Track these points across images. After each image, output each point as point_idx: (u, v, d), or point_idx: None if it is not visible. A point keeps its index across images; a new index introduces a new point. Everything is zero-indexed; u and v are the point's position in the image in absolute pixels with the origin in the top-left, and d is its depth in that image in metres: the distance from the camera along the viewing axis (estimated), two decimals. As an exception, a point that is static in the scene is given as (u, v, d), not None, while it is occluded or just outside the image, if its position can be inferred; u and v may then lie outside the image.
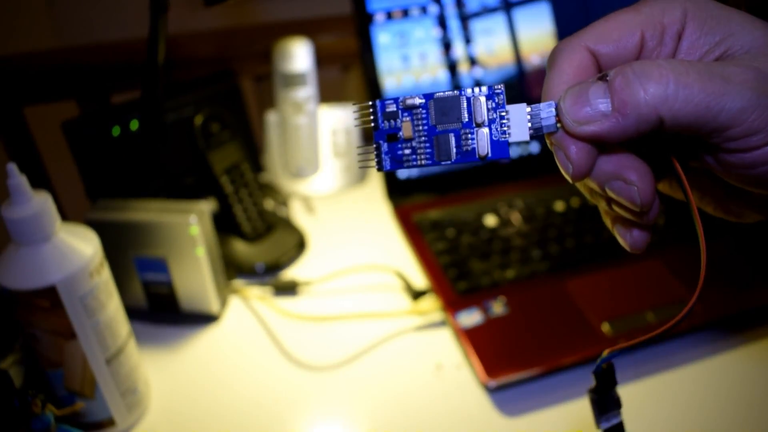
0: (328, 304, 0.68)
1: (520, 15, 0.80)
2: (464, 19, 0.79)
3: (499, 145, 0.27)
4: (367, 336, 0.64)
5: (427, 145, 0.28)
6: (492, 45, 0.80)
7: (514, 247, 0.71)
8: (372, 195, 0.85)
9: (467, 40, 0.80)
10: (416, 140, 0.28)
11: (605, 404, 0.33)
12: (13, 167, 0.45)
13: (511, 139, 0.27)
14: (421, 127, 0.28)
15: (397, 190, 0.81)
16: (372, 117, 0.28)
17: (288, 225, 0.78)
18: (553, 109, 0.27)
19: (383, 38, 0.78)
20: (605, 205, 0.29)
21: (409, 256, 0.73)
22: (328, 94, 0.91)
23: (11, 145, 0.88)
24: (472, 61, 0.80)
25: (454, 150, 0.28)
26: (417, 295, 0.67)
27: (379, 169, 0.28)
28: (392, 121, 0.28)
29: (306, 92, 0.83)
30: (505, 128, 0.27)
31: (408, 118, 0.28)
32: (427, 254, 0.71)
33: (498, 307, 0.63)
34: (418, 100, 0.28)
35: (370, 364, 0.61)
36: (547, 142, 0.28)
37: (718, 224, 0.70)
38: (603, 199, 0.29)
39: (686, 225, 0.70)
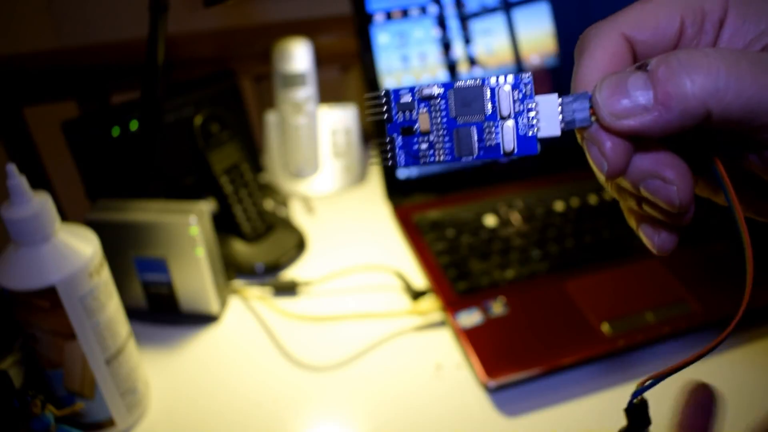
0: (328, 305, 0.68)
1: (520, 15, 0.80)
2: (464, 19, 0.79)
3: (527, 141, 0.25)
4: (367, 336, 0.64)
5: (447, 139, 0.25)
6: (491, 45, 0.80)
7: (514, 247, 0.71)
8: (372, 195, 0.85)
9: (467, 41, 0.80)
10: (434, 134, 0.25)
11: None
12: (12, 168, 0.45)
13: (540, 134, 0.25)
14: (439, 120, 0.25)
15: (396, 190, 0.81)
16: (385, 108, 0.26)
17: (288, 225, 0.78)
18: (587, 101, 0.24)
19: (383, 38, 0.78)
20: (634, 204, 0.27)
21: (409, 256, 0.73)
22: (328, 94, 0.91)
23: (11, 145, 0.88)
24: (472, 62, 0.80)
25: (477, 145, 0.25)
26: (417, 295, 0.67)
27: (393, 166, 0.26)
28: (407, 113, 0.25)
29: (306, 92, 0.83)
30: (534, 122, 0.25)
31: (425, 110, 0.25)
32: (427, 254, 0.71)
33: (498, 307, 0.63)
34: (436, 90, 0.25)
35: (370, 364, 0.61)
36: (578, 136, 0.26)
37: (717, 225, 0.70)
38: (632, 197, 0.27)
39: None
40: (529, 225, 0.74)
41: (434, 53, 0.79)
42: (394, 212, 0.79)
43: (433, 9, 0.78)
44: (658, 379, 0.26)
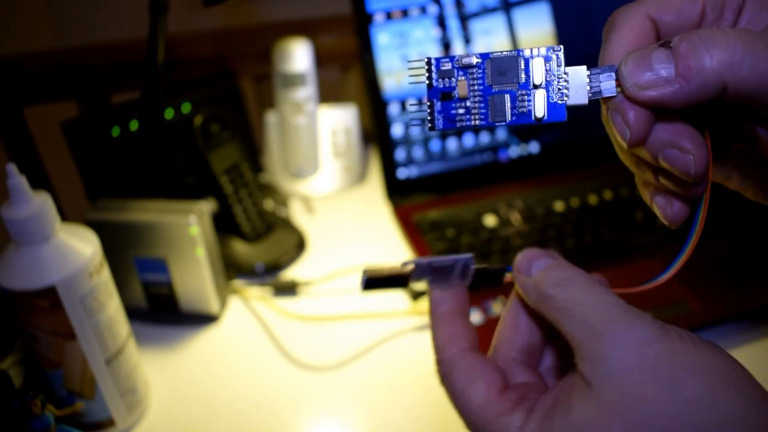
0: (328, 304, 0.68)
1: (520, 15, 0.80)
2: (464, 19, 0.79)
3: (556, 108, 0.27)
4: (367, 336, 0.64)
5: (482, 105, 0.27)
6: (491, 45, 0.80)
7: (514, 247, 0.71)
8: (372, 195, 0.85)
9: (467, 41, 0.80)
10: (471, 100, 0.28)
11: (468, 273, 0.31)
12: (12, 168, 0.45)
13: (569, 102, 0.27)
14: (476, 87, 0.27)
15: (397, 190, 0.81)
16: (427, 74, 0.28)
17: (288, 225, 0.78)
18: (613, 74, 0.26)
19: (383, 38, 0.78)
20: (650, 176, 0.29)
21: (409, 256, 0.73)
22: (328, 94, 0.91)
23: (11, 145, 0.88)
24: (472, 61, 0.80)
25: (510, 111, 0.27)
26: (417, 295, 0.67)
27: (431, 128, 0.28)
28: (447, 80, 0.28)
29: (306, 92, 0.83)
30: (564, 91, 0.27)
31: (464, 77, 0.27)
32: (427, 254, 0.71)
33: (498, 307, 0.63)
34: (475, 60, 0.27)
35: (370, 364, 0.61)
36: (604, 107, 0.28)
37: (717, 225, 0.70)
38: (649, 169, 0.28)
39: (685, 225, 0.70)
40: (529, 225, 0.74)
41: (434, 53, 0.79)
42: (394, 212, 0.79)
43: (433, 9, 0.78)
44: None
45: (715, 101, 0.25)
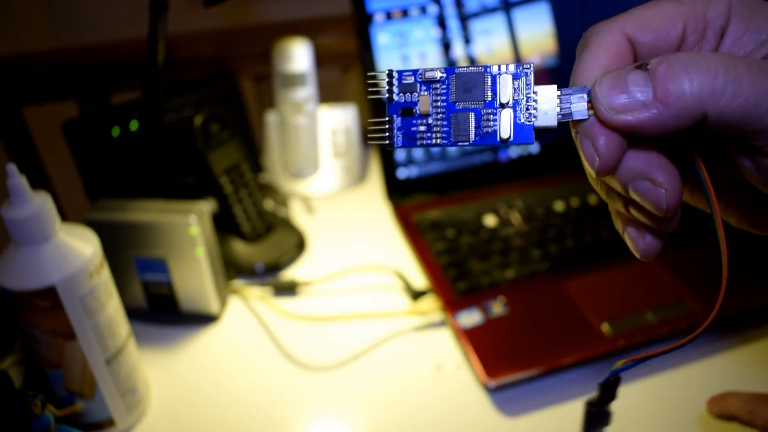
0: (328, 304, 0.68)
1: (520, 15, 0.80)
2: (464, 19, 0.79)
3: (523, 130, 0.25)
4: (367, 336, 0.64)
5: (445, 123, 0.26)
6: (491, 45, 0.80)
7: (514, 247, 0.71)
8: (372, 195, 0.85)
9: (467, 41, 0.80)
10: (433, 117, 0.26)
11: (597, 419, 0.32)
12: (12, 168, 0.45)
13: (537, 124, 0.25)
14: (439, 103, 0.26)
15: (396, 190, 0.81)
16: (387, 88, 0.26)
17: (288, 225, 0.78)
18: (585, 95, 0.24)
19: (383, 38, 0.78)
20: (621, 206, 0.27)
21: (409, 256, 0.73)
22: (328, 94, 0.91)
23: (11, 145, 0.88)
24: (472, 62, 0.80)
25: (474, 131, 0.25)
26: (417, 295, 0.67)
27: (389, 147, 0.26)
28: (409, 95, 0.26)
29: (306, 92, 0.83)
30: (532, 111, 0.25)
31: (426, 92, 0.26)
32: (427, 254, 0.71)
33: (498, 307, 0.63)
34: (438, 74, 0.26)
35: (370, 364, 0.61)
36: (572, 130, 0.25)
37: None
38: (620, 199, 0.27)
39: (686, 225, 0.70)
40: (529, 225, 0.74)
41: (434, 53, 0.79)
42: (394, 212, 0.79)
43: (433, 9, 0.78)
44: (636, 362, 0.27)
45: (694, 129, 0.23)
